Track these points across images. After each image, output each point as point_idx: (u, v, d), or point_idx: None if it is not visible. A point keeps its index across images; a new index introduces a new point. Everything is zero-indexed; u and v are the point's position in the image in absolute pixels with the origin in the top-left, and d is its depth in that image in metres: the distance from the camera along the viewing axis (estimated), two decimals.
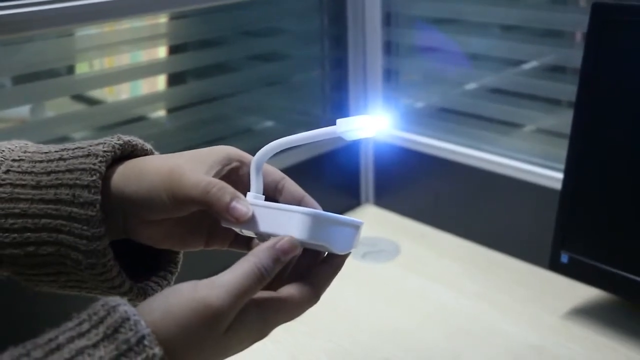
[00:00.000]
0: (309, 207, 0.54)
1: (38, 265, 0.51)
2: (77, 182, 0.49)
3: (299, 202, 0.54)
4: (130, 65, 1.04)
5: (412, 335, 0.92)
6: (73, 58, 0.99)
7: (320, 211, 0.50)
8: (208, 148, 0.53)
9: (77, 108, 1.01)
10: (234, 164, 0.53)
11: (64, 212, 0.48)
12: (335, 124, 0.49)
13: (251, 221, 0.49)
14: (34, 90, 0.92)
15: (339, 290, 1.05)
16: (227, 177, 0.52)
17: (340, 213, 0.55)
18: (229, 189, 0.48)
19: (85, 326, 0.41)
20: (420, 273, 1.08)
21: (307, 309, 0.49)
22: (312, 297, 0.49)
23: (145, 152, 0.54)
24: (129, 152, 0.53)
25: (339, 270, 0.51)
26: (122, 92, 1.08)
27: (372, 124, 0.48)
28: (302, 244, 0.49)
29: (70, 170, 0.49)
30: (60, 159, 0.51)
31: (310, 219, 0.47)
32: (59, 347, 0.40)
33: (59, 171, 0.50)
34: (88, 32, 0.96)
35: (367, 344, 0.91)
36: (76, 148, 0.51)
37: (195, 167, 0.50)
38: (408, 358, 0.88)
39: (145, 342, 0.41)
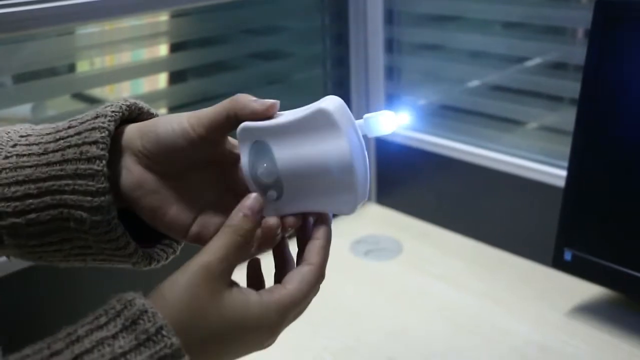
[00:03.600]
0: None
1: (40, 234, 0.50)
2: (85, 140, 0.48)
3: None
4: (131, 63, 1.04)
5: (415, 334, 0.92)
6: (74, 56, 0.99)
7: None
8: None
9: (78, 107, 1.01)
10: None
11: (69, 170, 0.48)
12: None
13: (277, 122, 0.48)
14: (35, 89, 0.92)
15: (342, 288, 1.05)
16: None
17: None
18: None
19: (103, 319, 0.42)
20: (423, 271, 1.07)
21: (319, 288, 0.50)
22: (319, 276, 0.49)
23: (151, 117, 0.54)
24: (135, 116, 0.53)
25: (331, 236, 0.51)
26: (123, 91, 1.08)
27: (394, 120, 0.50)
28: (319, 169, 0.48)
29: (79, 133, 0.49)
30: (69, 127, 0.51)
31: (339, 101, 0.47)
32: (79, 339, 0.41)
33: (67, 136, 0.50)
34: (89, 30, 0.96)
35: (370, 342, 0.90)
36: (84, 115, 0.51)
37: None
38: (411, 356, 0.87)
39: (164, 332, 0.41)
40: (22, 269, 0.85)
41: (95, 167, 0.48)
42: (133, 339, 0.41)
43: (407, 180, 1.26)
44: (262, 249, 0.52)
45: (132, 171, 0.50)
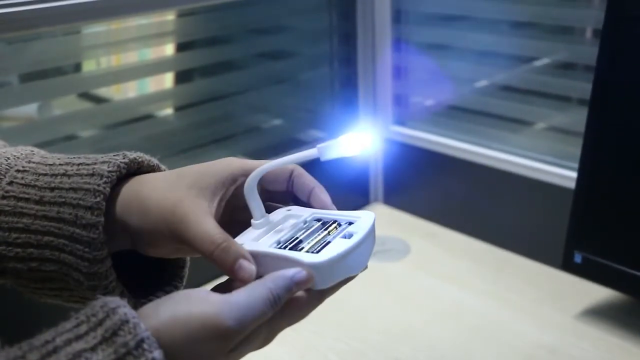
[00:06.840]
0: (318, 201, 0.53)
1: (42, 280, 0.50)
2: (80, 202, 0.48)
3: (309, 195, 0.53)
4: (138, 63, 1.04)
5: (422, 335, 0.91)
6: (80, 56, 0.99)
7: (325, 259, 0.47)
8: (211, 166, 0.52)
9: (84, 106, 1.01)
10: (240, 181, 0.52)
11: (66, 231, 0.48)
12: (319, 143, 0.49)
13: (258, 272, 0.48)
14: (41, 88, 0.92)
15: (349, 289, 1.04)
16: (234, 195, 0.52)
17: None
18: (232, 248, 0.47)
19: (83, 328, 0.40)
20: (430, 272, 1.07)
21: (311, 310, 0.48)
22: (317, 299, 0.48)
23: (152, 168, 0.53)
24: (134, 170, 0.52)
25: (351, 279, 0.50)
26: (129, 90, 1.07)
27: (355, 143, 0.48)
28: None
29: (74, 189, 0.49)
30: (64, 174, 0.50)
31: (315, 273, 0.46)
32: (55, 350, 0.39)
33: (62, 188, 0.49)
34: (95, 29, 0.96)
35: (377, 343, 0.90)
36: (80, 164, 0.50)
37: (198, 202, 0.48)
38: (418, 357, 0.87)
39: (144, 346, 0.39)
40: None
41: (91, 235, 0.48)
42: (112, 353, 0.39)
43: (415, 181, 1.26)
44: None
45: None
